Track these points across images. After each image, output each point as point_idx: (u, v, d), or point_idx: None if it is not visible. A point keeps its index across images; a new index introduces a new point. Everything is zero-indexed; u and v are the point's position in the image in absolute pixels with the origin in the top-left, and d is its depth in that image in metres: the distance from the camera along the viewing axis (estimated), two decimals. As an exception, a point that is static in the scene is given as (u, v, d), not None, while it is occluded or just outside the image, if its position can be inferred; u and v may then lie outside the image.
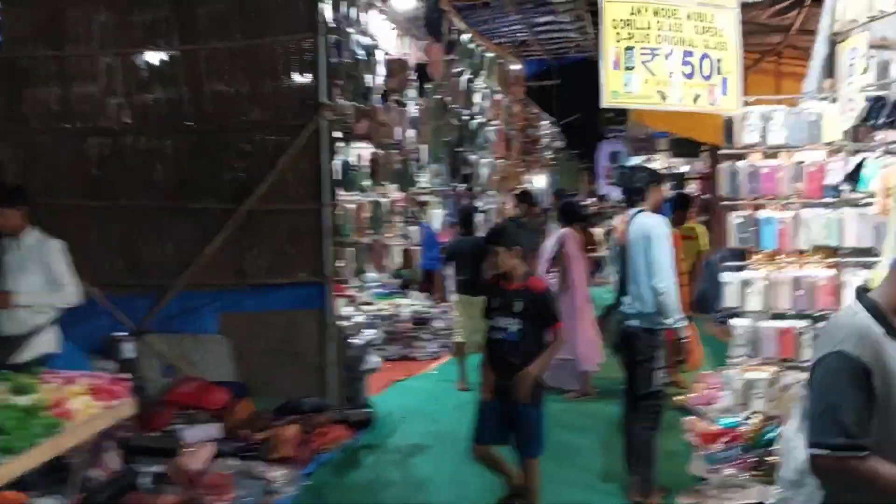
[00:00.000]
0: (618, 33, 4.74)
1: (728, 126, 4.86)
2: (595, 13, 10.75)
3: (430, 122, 6.25)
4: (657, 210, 4.85)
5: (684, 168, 19.58)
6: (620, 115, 11.36)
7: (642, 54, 4.75)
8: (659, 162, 21.48)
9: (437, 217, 9.38)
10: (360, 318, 6.28)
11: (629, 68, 4.76)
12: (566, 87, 15.12)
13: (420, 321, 9.15)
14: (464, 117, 7.29)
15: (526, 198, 8.21)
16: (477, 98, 7.51)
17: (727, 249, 13.92)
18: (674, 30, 4.84)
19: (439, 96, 6.32)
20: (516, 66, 10.23)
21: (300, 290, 6.36)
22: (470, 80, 7.12)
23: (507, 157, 8.46)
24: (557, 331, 4.26)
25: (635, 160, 23.33)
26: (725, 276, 4.69)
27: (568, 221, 7.82)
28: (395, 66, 6.10)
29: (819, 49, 4.98)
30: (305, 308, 6.36)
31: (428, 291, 10.58)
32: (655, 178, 4.87)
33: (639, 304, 4.61)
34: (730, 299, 4.64)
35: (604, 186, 28.70)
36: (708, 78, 4.81)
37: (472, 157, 7.55)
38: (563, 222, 7.78)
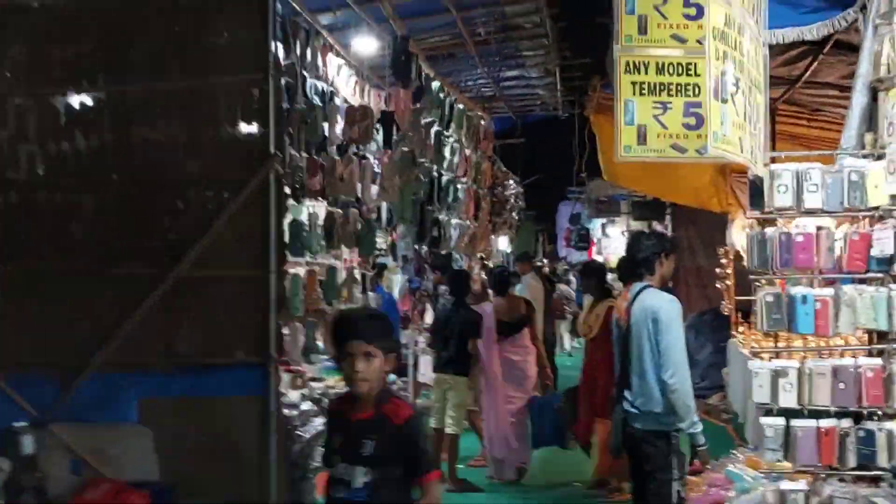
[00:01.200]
0: (633, 84, 4.16)
1: (754, 187, 4.16)
2: (565, 68, 10.31)
3: (396, 178, 5.43)
4: (665, 286, 4.12)
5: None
6: (585, 173, 10.83)
7: (654, 107, 4.16)
8: (620, 225, 21.24)
9: (396, 282, 8.56)
10: (307, 405, 5.31)
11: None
12: (529, 145, 14.63)
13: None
14: (433, 173, 6.50)
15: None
16: (447, 152, 6.75)
17: (704, 313, 13.28)
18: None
19: (406, 148, 5.52)
20: (485, 121, 9.58)
21: (239, 372, 5.43)
22: (439, 133, 6.36)
23: (476, 219, 7.67)
24: (431, 485, 2.98)
25: (597, 222, 23.08)
26: (753, 366, 3.91)
27: (500, 291, 7.16)
28: (357, 114, 5.32)
29: (858, 99, 4.38)
30: (244, 394, 5.42)
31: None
32: (667, 246, 4.15)
33: (644, 401, 3.86)
34: (758, 393, 3.85)
35: (563, 249, 28.32)
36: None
37: (442, 218, 6.74)
38: (496, 291, 7.14)
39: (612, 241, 21.85)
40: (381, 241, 9.32)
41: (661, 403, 3.81)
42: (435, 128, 6.18)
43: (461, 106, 6.94)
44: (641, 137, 4.40)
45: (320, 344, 5.43)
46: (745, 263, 9.59)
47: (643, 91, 4.37)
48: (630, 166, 9.69)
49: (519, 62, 9.62)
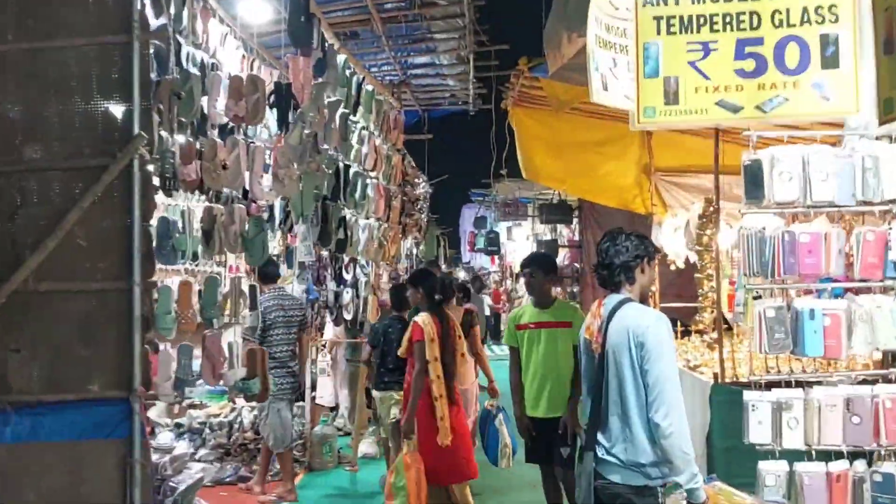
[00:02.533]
0: (656, 21, 3.34)
1: (753, 173, 3.44)
2: (480, 55, 9.56)
3: (294, 166, 4.47)
4: (645, 298, 3.37)
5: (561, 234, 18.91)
6: (505, 171, 10.14)
7: (690, 50, 3.35)
8: (526, 228, 20.82)
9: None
10: (183, 446, 4.27)
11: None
12: (435, 143, 13.86)
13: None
14: (339, 163, 5.55)
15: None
16: (354, 140, 5.81)
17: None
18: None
19: (307, 131, 4.56)
20: (395, 107, 8.69)
21: (94, 409, 4.39)
22: (346, 117, 5.42)
23: (386, 219, 6.77)
24: None
25: (503, 225, 22.59)
26: (750, 398, 3.20)
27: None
28: (244, 87, 4.33)
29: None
30: (101, 437, 4.36)
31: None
32: (650, 250, 3.39)
33: (626, 448, 3.09)
34: (756, 432, 3.14)
35: (466, 254, 27.72)
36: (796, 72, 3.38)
37: (349, 217, 5.80)
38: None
39: (517, 245, 21.36)
40: (275, 244, 8.29)
41: (648, 452, 3.04)
42: (341, 110, 5.24)
43: (371, 88, 6.02)
44: (671, 94, 3.52)
45: (197, 369, 4.40)
46: (673, 267, 9.30)
47: (672, 28, 3.48)
48: (555, 164, 9.05)
49: (430, 46, 8.80)
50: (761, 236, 3.56)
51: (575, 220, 17.34)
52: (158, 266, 4.36)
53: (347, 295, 7.59)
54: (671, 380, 3.09)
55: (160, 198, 4.53)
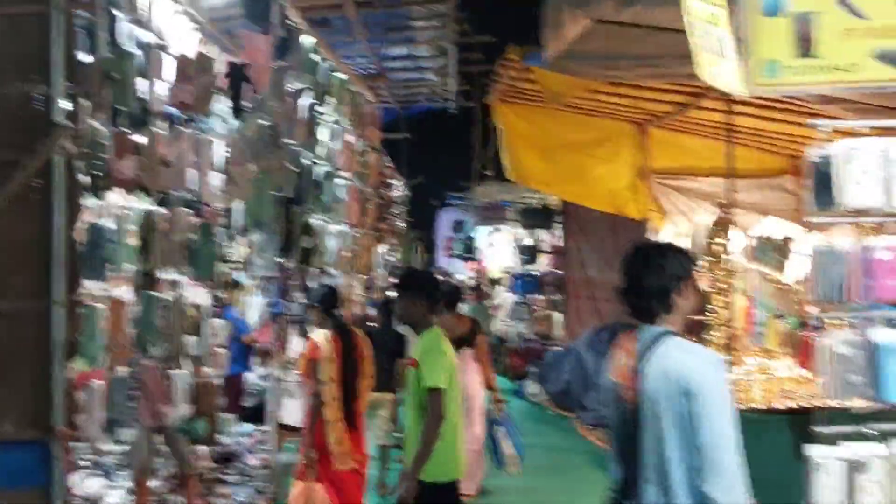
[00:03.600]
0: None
1: (822, 173, 2.79)
2: (463, 47, 8.92)
3: (250, 164, 3.77)
4: (693, 330, 2.71)
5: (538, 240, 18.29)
6: (492, 172, 9.46)
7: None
8: (506, 233, 20.21)
9: (252, 307, 6.88)
10: (117, 497, 3.55)
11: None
12: (411, 142, 13.15)
13: (225, 457, 6.66)
14: (304, 161, 4.85)
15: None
16: (323, 134, 5.11)
17: (601, 330, 12.28)
18: None
19: (266, 122, 3.86)
20: (371, 101, 8.01)
21: (5, 454, 3.64)
22: (313, 108, 4.72)
23: (361, 225, 6.08)
24: None
25: (482, 230, 21.95)
26: (817, 454, 2.56)
27: (449, 307, 5.99)
28: (191, 68, 3.62)
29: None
30: (14, 486, 3.64)
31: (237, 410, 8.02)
32: (690, 267, 2.73)
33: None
34: (826, 495, 2.49)
35: (442, 259, 27.02)
36: None
37: (316, 223, 5.10)
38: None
39: (497, 251, 20.72)
40: (235, 251, 7.57)
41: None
42: (307, 99, 4.56)
43: (343, 76, 5.34)
44: (804, 42, 2.58)
45: (134, 406, 3.68)
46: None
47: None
48: (543, 166, 8.44)
49: (408, 36, 8.13)
50: (831, 253, 2.91)
51: (558, 225, 16.83)
52: (85, 282, 3.62)
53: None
54: (729, 441, 2.45)
55: (88, 200, 3.81)
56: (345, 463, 4.97)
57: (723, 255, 5.57)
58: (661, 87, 6.65)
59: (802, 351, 4.94)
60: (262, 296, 6.93)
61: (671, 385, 2.53)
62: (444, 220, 26.45)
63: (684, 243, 7.46)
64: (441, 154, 17.15)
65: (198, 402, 3.71)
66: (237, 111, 3.86)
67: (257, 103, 3.91)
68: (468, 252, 20.17)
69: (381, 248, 10.09)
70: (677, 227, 7.55)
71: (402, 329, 6.09)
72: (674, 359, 2.57)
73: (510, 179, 8.51)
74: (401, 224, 10.29)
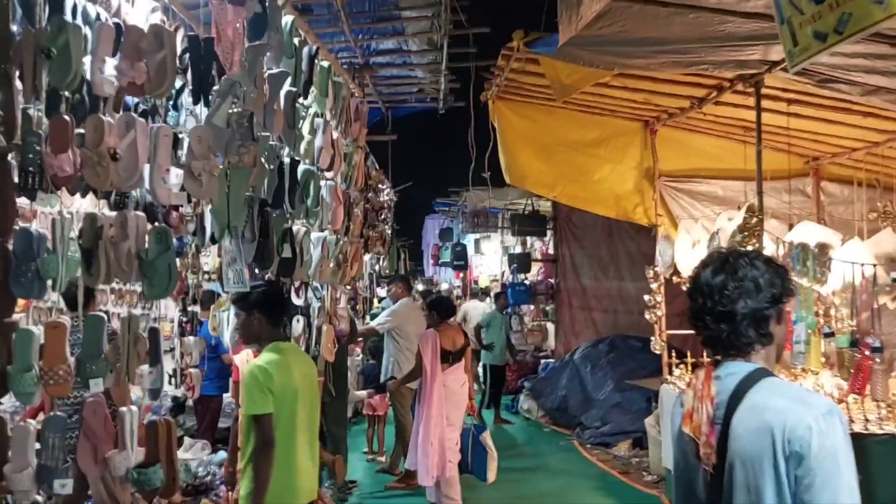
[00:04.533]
0: None
1: None
2: (456, 41, 8.34)
3: (216, 157, 3.15)
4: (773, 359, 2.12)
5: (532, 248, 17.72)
6: (489, 173, 8.88)
7: None
8: (496, 240, 19.64)
9: (227, 324, 6.30)
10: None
11: None
12: (398, 145, 12.54)
13: (197, 489, 6.04)
14: (283, 157, 4.24)
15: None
16: (305, 129, 4.51)
17: (598, 342, 11.68)
18: None
19: (237, 109, 3.25)
20: (357, 95, 7.41)
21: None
22: (294, 97, 4.11)
23: (346, 232, 5.47)
24: None
25: (471, 237, 21.35)
26: None
27: (444, 317, 5.64)
28: (144, 41, 3.02)
29: None
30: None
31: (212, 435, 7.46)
32: (788, 287, 2.11)
33: None
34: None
35: (429, 268, 26.36)
36: None
37: (297, 229, 4.48)
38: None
39: (486, 259, 20.15)
40: (210, 261, 6.94)
41: None
42: (287, 87, 3.96)
43: (327, 64, 4.74)
44: None
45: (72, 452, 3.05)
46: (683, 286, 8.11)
47: None
48: (543, 168, 7.88)
49: (397, 27, 7.54)
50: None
51: (549, 232, 16.29)
52: (18, 301, 3.01)
53: (298, 325, 6.28)
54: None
55: (21, 201, 3.18)
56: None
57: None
58: (678, 80, 6.13)
59: (860, 373, 4.39)
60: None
61: (773, 444, 1.92)
62: (431, 227, 25.85)
63: (700, 252, 6.92)
64: (430, 158, 16.56)
65: (150, 447, 3.09)
66: (201, 93, 3.26)
67: (227, 87, 3.30)
68: (457, 260, 19.58)
69: (367, 257, 9.46)
70: (691, 235, 7.00)
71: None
72: (775, 409, 1.95)
73: (506, 182, 7.93)
74: (388, 231, 9.68)
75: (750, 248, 5.04)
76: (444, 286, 24.29)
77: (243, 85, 3.48)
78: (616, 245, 14.45)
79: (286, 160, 4.23)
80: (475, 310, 16.88)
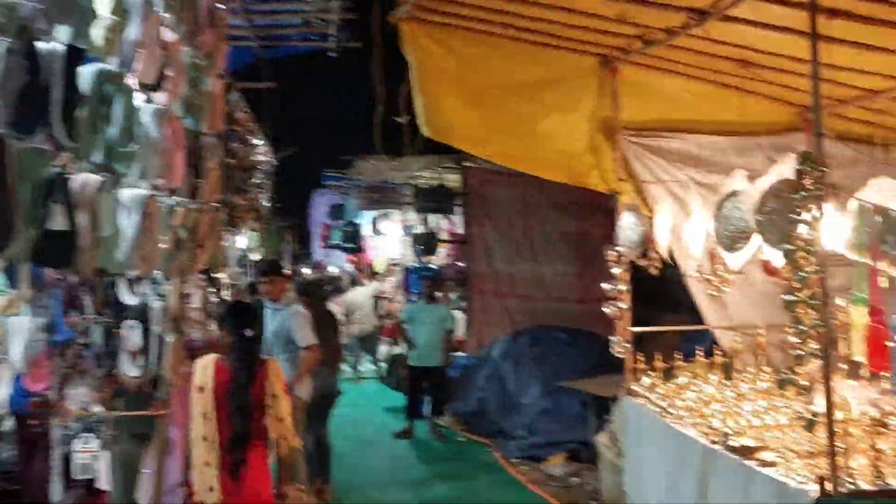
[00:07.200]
0: None
1: None
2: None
3: None
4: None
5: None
6: (406, 117, 7.02)
7: None
8: (396, 219, 17.76)
9: (17, 332, 4.37)
10: None
11: None
12: (279, 96, 10.35)
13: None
14: (47, 44, 2.25)
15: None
16: (104, 4, 2.53)
17: (518, 335, 10.13)
18: None
19: None
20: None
21: None
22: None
23: (189, 192, 3.53)
24: None
25: (368, 215, 19.31)
26: None
27: None
28: None
29: None
30: None
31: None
32: None
33: None
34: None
35: (318, 251, 24.11)
36: None
37: (81, 180, 2.49)
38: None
39: (385, 241, 18.22)
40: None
41: None
42: None
43: None
44: None
45: None
46: (652, 270, 6.63)
47: None
48: (473, 117, 6.14)
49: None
50: None
51: (459, 210, 14.73)
52: None
53: (134, 333, 4.56)
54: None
55: None
56: None
57: (813, 242, 3.43)
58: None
59: None
60: (35, 315, 4.32)
61: None
62: (319, 205, 23.48)
63: (699, 225, 5.35)
64: (318, 118, 14.40)
65: None
66: None
67: None
68: (348, 241, 17.60)
69: (237, 237, 7.42)
70: (674, 218, 5.45)
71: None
72: None
73: (425, 135, 6.16)
74: (266, 205, 7.68)
75: (808, 215, 3.48)
76: (333, 271, 22.22)
77: None
78: (531, 224, 13.21)
79: (57, 48, 2.32)
80: (359, 297, 15.12)
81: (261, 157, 6.96)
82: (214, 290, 6.20)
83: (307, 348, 6.41)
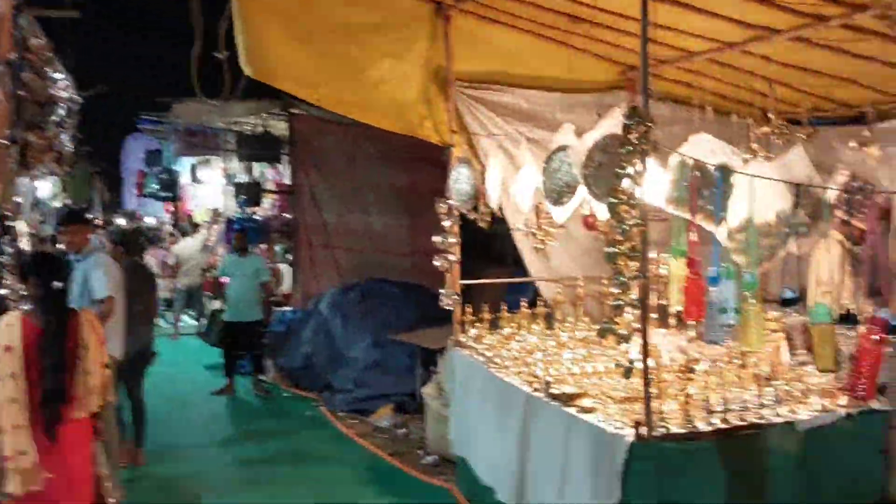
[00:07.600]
0: None
1: None
2: None
3: None
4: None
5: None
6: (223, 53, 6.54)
7: None
8: (218, 167, 16.88)
9: None
10: None
11: None
12: (85, 31, 9.37)
13: None
14: None
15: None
16: None
17: (348, 289, 10.05)
18: None
19: None
20: None
21: None
22: None
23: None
24: None
25: (186, 161, 18.15)
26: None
27: None
28: None
29: None
30: None
31: None
32: None
33: None
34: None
35: (132, 199, 22.58)
36: None
37: None
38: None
39: (205, 189, 17.30)
40: None
41: None
42: None
43: None
44: None
45: None
46: (481, 223, 6.62)
47: None
48: (301, 57, 5.82)
49: None
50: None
51: (285, 159, 14.20)
52: None
53: None
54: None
55: None
56: (29, 482, 3.99)
57: (636, 196, 3.51)
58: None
59: (856, 370, 3.10)
60: None
61: None
62: (133, 150, 21.85)
63: (529, 178, 5.39)
64: (131, 53, 13.35)
65: None
66: None
67: None
68: (165, 190, 16.54)
69: (36, 181, 6.65)
70: (504, 172, 5.45)
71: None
72: None
73: (247, 74, 5.78)
74: (69, 147, 6.93)
75: (632, 169, 3.57)
76: (150, 221, 20.94)
77: None
78: (362, 175, 12.96)
79: None
80: (188, 248, 14.42)
81: (62, 94, 6.28)
82: (10, 239, 5.57)
83: (101, 301, 5.89)
